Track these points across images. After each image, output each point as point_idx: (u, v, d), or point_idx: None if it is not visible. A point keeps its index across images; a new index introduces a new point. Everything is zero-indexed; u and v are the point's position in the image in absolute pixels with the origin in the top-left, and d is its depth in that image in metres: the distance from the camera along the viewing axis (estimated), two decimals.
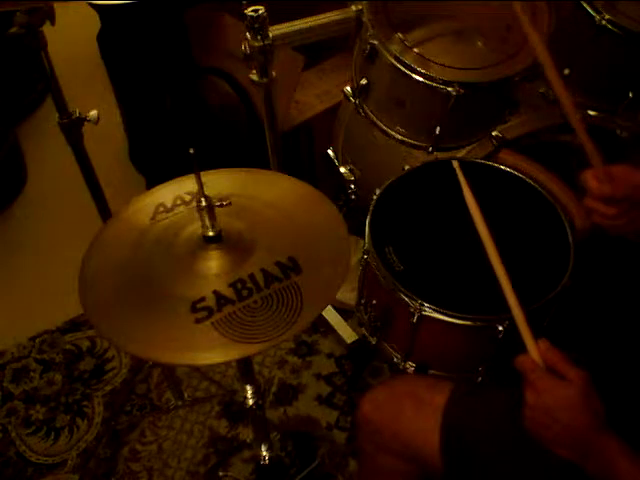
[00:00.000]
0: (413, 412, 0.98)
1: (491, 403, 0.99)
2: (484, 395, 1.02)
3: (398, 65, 1.24)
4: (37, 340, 1.78)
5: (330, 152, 1.66)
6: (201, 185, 0.82)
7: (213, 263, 0.85)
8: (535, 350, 0.79)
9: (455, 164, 0.99)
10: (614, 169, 0.91)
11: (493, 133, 1.31)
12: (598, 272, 1.25)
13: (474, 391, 1.06)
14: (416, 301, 1.06)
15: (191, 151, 0.79)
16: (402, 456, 0.99)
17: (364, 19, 1.29)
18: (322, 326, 1.76)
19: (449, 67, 1.24)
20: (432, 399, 0.98)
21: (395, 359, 1.22)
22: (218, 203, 0.84)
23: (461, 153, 1.35)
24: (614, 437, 0.73)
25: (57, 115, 1.15)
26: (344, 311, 1.72)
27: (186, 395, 1.64)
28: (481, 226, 0.91)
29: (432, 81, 1.22)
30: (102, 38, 1.87)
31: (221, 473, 1.51)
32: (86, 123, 1.18)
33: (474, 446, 0.93)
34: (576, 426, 0.74)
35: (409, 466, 1.00)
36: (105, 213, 1.33)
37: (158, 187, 0.98)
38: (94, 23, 1.84)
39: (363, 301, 1.26)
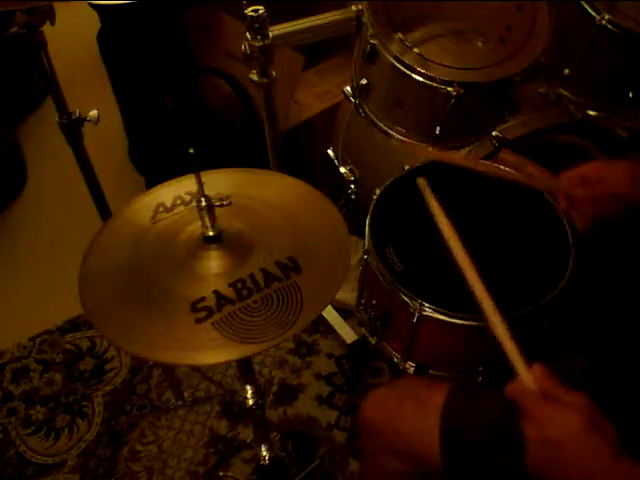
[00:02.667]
0: (413, 413, 0.98)
1: (490, 403, 0.99)
2: (483, 395, 1.02)
3: (398, 65, 1.24)
4: (37, 340, 1.78)
5: (330, 152, 1.66)
6: (201, 185, 0.82)
7: (213, 263, 0.84)
8: (529, 376, 0.70)
9: (421, 182, 0.93)
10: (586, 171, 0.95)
11: (493, 133, 1.31)
12: (598, 272, 1.25)
13: (473, 391, 1.06)
14: (416, 301, 1.06)
15: (191, 151, 0.79)
16: (403, 457, 0.99)
17: (364, 19, 1.29)
18: (322, 326, 1.76)
19: (449, 67, 1.24)
20: (431, 399, 0.98)
21: (395, 359, 1.22)
22: (218, 203, 0.84)
23: (461, 153, 1.35)
24: (633, 462, 0.65)
25: (57, 115, 1.15)
26: (344, 311, 1.72)
27: (186, 395, 1.64)
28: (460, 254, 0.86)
29: (432, 81, 1.22)
30: (102, 38, 1.87)
31: (221, 473, 1.51)
32: (86, 123, 1.18)
33: (473, 446, 0.93)
34: (589, 457, 0.65)
35: (410, 467, 1.00)
36: (105, 213, 1.33)
37: (158, 187, 0.98)
38: (94, 23, 1.85)
39: (363, 301, 1.26)
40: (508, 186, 1.23)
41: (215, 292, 0.81)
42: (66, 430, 1.60)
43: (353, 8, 1.31)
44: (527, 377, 0.69)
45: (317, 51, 1.97)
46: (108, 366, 1.72)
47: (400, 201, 1.21)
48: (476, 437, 0.93)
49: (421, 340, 1.13)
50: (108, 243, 0.90)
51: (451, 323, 1.05)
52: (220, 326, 0.77)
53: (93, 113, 1.18)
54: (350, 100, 1.42)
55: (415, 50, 1.25)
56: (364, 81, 1.34)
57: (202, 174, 0.83)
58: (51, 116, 1.16)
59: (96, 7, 1.73)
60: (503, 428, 0.93)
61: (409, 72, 1.24)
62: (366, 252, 1.16)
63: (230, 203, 0.85)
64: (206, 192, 0.83)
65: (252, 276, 0.82)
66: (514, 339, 0.73)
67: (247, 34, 1.22)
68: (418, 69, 1.23)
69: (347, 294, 1.55)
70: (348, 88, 1.43)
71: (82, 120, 1.17)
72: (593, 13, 1.27)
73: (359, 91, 1.38)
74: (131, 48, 1.82)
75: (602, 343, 1.13)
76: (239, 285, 0.81)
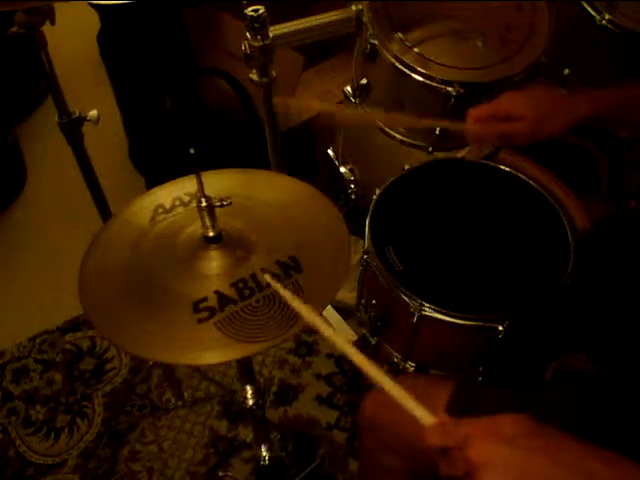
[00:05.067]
0: None
1: (494, 401, 0.99)
2: (486, 394, 1.02)
3: (398, 65, 1.24)
4: (37, 340, 1.78)
5: (330, 152, 1.66)
6: (201, 185, 0.82)
7: (214, 263, 0.84)
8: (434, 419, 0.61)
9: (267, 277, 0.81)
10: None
11: None
12: (598, 272, 1.25)
13: (475, 391, 1.06)
14: (416, 301, 1.06)
15: (191, 151, 0.79)
16: (404, 455, 0.99)
17: (364, 19, 1.29)
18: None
19: (449, 67, 1.24)
20: (434, 397, 0.98)
21: (395, 359, 1.22)
22: (218, 203, 0.84)
23: (461, 153, 1.36)
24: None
25: (57, 115, 1.15)
26: (344, 311, 1.72)
27: (186, 395, 1.64)
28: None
29: (432, 81, 1.22)
30: (102, 38, 1.87)
31: (221, 473, 1.51)
32: (86, 123, 1.18)
33: None
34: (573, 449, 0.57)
35: (411, 465, 1.00)
36: (105, 213, 1.33)
37: (156, 188, 0.98)
38: (94, 23, 1.85)
39: (363, 301, 1.26)
40: (508, 186, 1.23)
41: (217, 292, 0.81)
42: (66, 430, 1.60)
43: (353, 8, 1.31)
44: (431, 419, 0.62)
45: (317, 51, 1.97)
46: (108, 366, 1.72)
47: (400, 201, 1.21)
48: None
49: (421, 340, 1.13)
50: (108, 243, 0.90)
51: (451, 323, 1.05)
52: (223, 326, 0.77)
53: (93, 113, 1.17)
54: (350, 100, 1.42)
55: (415, 50, 1.25)
56: (364, 81, 1.34)
57: (202, 174, 0.82)
58: (51, 116, 1.16)
59: (96, 7, 1.73)
60: None
61: (409, 72, 1.24)
62: (366, 252, 1.16)
63: (230, 203, 0.85)
64: (206, 192, 0.83)
65: (253, 276, 0.83)
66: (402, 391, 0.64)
67: (247, 34, 1.22)
68: (418, 69, 1.23)
69: (347, 294, 1.56)
70: (348, 88, 1.43)
71: (82, 120, 1.17)
72: (593, 13, 1.27)
73: (359, 91, 1.38)
74: (131, 48, 1.82)
75: (604, 343, 1.13)
76: (240, 285, 0.81)
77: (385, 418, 1.01)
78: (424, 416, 0.62)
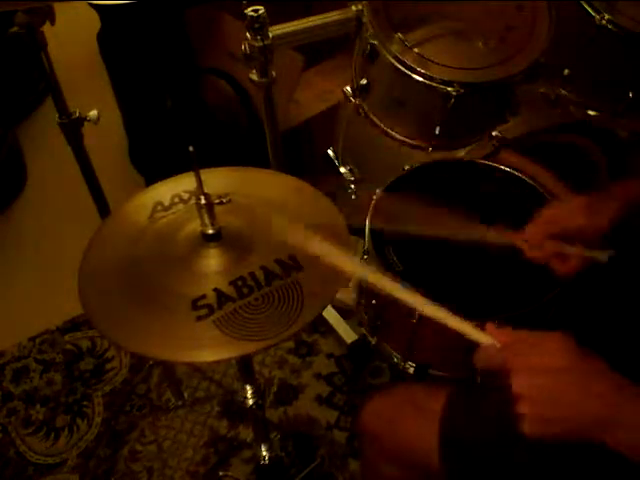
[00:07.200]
0: (412, 419, 0.97)
1: (489, 407, 0.98)
2: (482, 399, 1.02)
3: (398, 65, 1.24)
4: (37, 340, 1.78)
5: (330, 152, 1.66)
6: (200, 182, 0.82)
7: (213, 261, 0.84)
8: (487, 337, 0.69)
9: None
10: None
11: (493, 133, 1.31)
12: (598, 272, 1.25)
13: (472, 396, 1.05)
14: None
15: (190, 149, 0.79)
16: (403, 464, 0.99)
17: (364, 19, 1.29)
18: (322, 326, 1.76)
19: (449, 67, 1.24)
20: (431, 405, 0.97)
21: (395, 359, 1.22)
22: (217, 201, 0.84)
23: (461, 153, 1.35)
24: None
25: (57, 115, 1.15)
26: (344, 311, 1.72)
27: (186, 395, 1.64)
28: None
29: (432, 81, 1.22)
30: (102, 38, 1.88)
31: (221, 473, 1.51)
32: (86, 123, 1.18)
33: (472, 450, 0.93)
34: (584, 382, 0.62)
35: (412, 473, 0.99)
36: (105, 213, 1.33)
37: (155, 185, 0.98)
38: (94, 23, 1.85)
39: (363, 301, 1.26)
40: (508, 187, 1.23)
41: (216, 290, 0.81)
42: (66, 430, 1.60)
43: (353, 8, 1.31)
44: (486, 338, 0.70)
45: (317, 51, 1.97)
46: (108, 366, 1.72)
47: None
48: (475, 441, 0.93)
49: (421, 340, 1.13)
50: (107, 242, 0.90)
51: None
52: (221, 324, 0.77)
53: (93, 113, 1.18)
54: (350, 100, 1.42)
55: (415, 50, 1.25)
56: (364, 81, 1.34)
57: (201, 172, 0.82)
58: (51, 116, 1.16)
59: (96, 7, 1.73)
60: (503, 434, 0.93)
61: (409, 72, 1.24)
62: (366, 252, 1.16)
63: (230, 201, 0.85)
64: (205, 190, 0.83)
65: (252, 274, 0.83)
66: (450, 311, 0.72)
67: (247, 34, 1.22)
68: (418, 69, 1.23)
69: (347, 294, 1.55)
70: (348, 88, 1.43)
71: (82, 120, 1.17)
72: (593, 13, 1.27)
73: (359, 91, 1.38)
74: (131, 48, 1.82)
75: (603, 344, 1.13)
76: (239, 283, 0.82)
77: (383, 427, 1.00)
78: (480, 336, 0.69)
